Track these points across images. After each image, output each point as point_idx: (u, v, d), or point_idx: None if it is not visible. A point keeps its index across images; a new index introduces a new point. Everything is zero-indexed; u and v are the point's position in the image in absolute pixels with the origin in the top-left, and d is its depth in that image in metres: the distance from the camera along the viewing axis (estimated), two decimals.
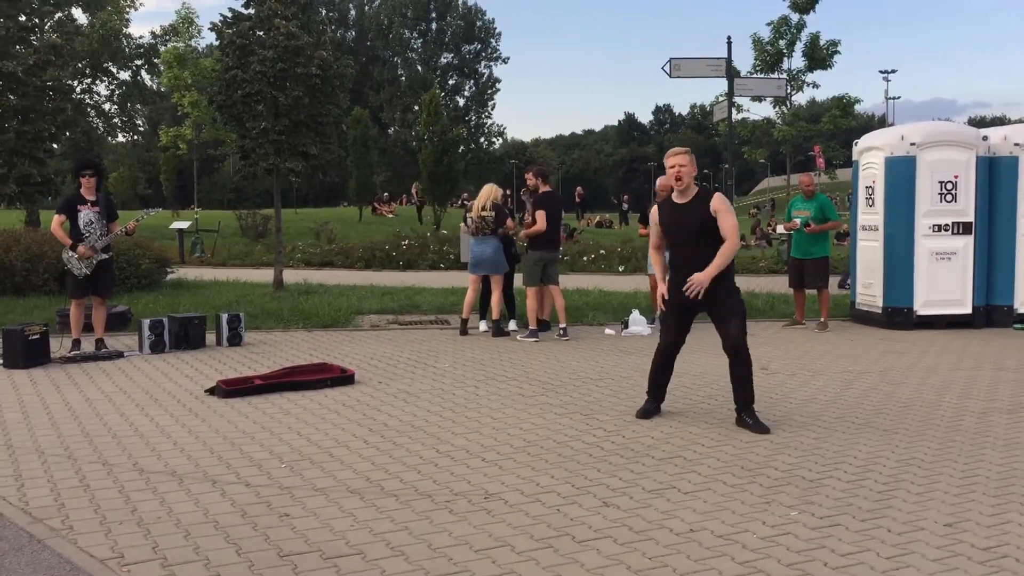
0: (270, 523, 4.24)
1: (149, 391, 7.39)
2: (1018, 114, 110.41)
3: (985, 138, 11.71)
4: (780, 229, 13.70)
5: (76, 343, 9.14)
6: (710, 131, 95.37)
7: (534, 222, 10.38)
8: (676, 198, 6.31)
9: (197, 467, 5.19)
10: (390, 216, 42.03)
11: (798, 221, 11.41)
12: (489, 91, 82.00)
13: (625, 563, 3.81)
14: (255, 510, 4.43)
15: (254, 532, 4.13)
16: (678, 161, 6.19)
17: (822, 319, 11.34)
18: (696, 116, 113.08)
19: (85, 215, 9.04)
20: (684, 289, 6.09)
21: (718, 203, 6.15)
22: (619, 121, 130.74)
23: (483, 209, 10.54)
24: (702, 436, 5.97)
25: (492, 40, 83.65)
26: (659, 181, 11.67)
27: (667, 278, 6.38)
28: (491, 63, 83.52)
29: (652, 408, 6.54)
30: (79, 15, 37.75)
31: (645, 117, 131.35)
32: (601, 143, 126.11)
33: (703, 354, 8.99)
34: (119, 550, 3.90)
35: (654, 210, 6.49)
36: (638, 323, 11.02)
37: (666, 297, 6.32)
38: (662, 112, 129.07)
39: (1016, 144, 11.55)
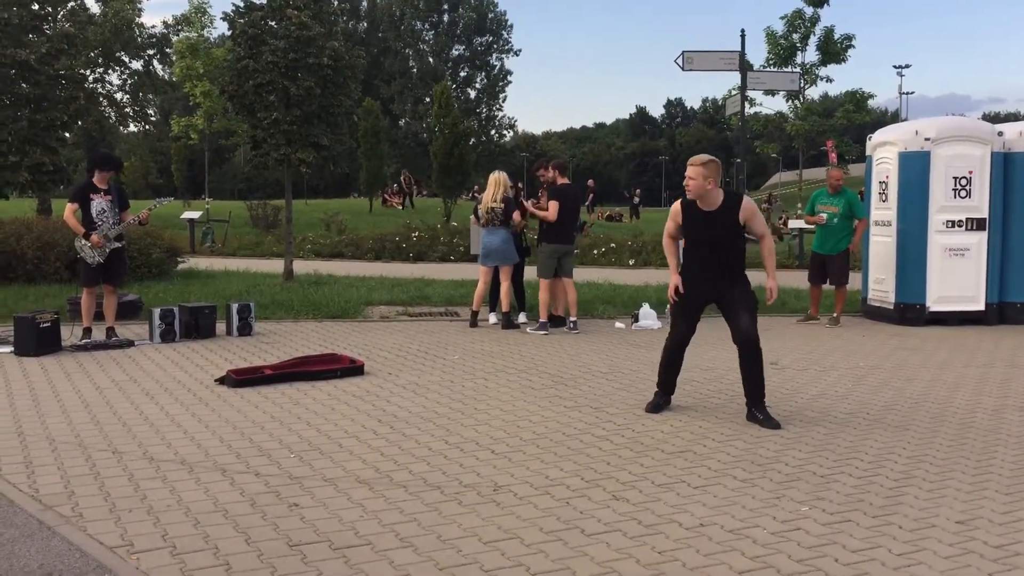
0: (279, 513, 4.24)
1: (159, 380, 7.41)
2: None
3: (1000, 133, 11.62)
4: (801, 223, 13.57)
5: (87, 331, 9.16)
6: (722, 125, 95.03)
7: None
8: (702, 205, 6.20)
9: (207, 456, 5.20)
10: (400, 207, 42.03)
11: (824, 216, 11.31)
12: (500, 83, 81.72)
13: (635, 557, 3.79)
14: (264, 499, 4.44)
15: (263, 521, 4.13)
16: (687, 173, 6.16)
17: (835, 314, 11.29)
18: (708, 110, 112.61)
19: (98, 204, 9.05)
20: (768, 301, 6.34)
21: (749, 212, 6.19)
22: (630, 114, 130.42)
23: (494, 200, 10.53)
24: (712, 431, 5.95)
25: (504, 32, 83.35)
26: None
27: (680, 271, 6.39)
28: (503, 55, 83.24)
29: (662, 402, 6.52)
30: (92, 4, 37.79)
31: (657, 111, 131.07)
32: (612, 136, 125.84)
33: (713, 348, 8.95)
34: (129, 538, 3.91)
35: (677, 207, 6.36)
36: (648, 317, 10.98)
37: (681, 291, 6.30)
38: (674, 106, 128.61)
39: None
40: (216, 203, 38.20)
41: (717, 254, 6.21)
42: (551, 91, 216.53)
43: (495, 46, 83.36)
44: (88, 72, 34.28)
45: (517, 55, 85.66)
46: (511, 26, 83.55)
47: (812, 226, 11.91)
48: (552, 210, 10.27)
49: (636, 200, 49.21)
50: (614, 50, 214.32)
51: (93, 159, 9.44)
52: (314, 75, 13.51)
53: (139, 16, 38.25)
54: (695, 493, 4.65)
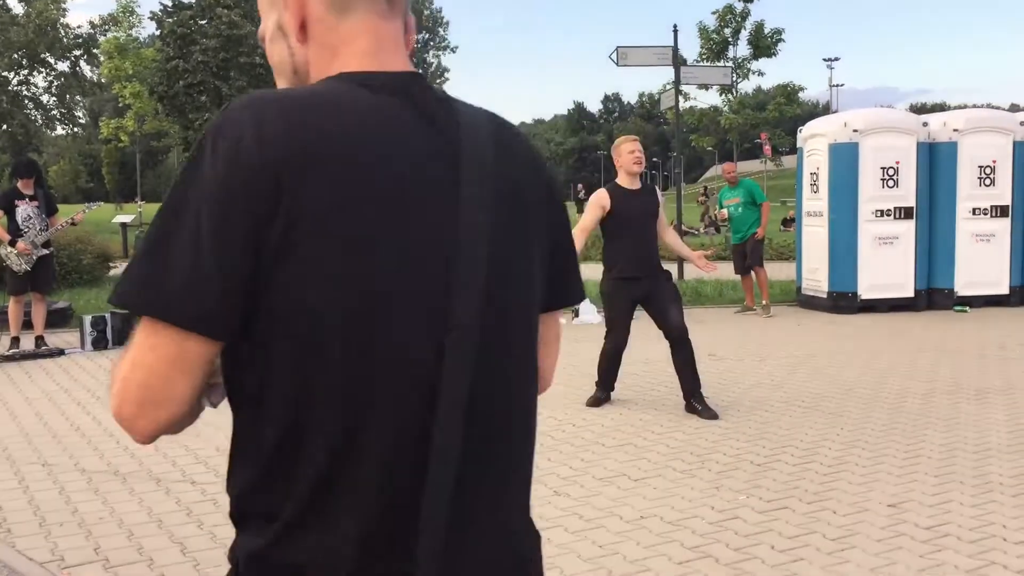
0: (216, 521, 4.17)
1: (91, 389, 7.23)
2: (959, 100, 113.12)
3: (925, 124, 11.93)
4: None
5: (15, 341, 8.91)
6: (659, 119, 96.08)
7: None
8: (627, 184, 6.33)
9: (141, 466, 5.09)
10: None
11: (726, 212, 11.75)
12: (438, 81, 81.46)
13: (575, 551, 3.81)
14: (201, 508, 4.36)
15: (200, 531, 4.06)
16: (638, 147, 6.33)
17: (764, 302, 11.46)
18: (645, 104, 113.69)
19: (23, 210, 8.81)
20: (706, 272, 6.80)
21: (661, 200, 6.56)
22: (568, 110, 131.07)
23: None
24: (652, 423, 6.01)
25: (440, 29, 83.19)
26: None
27: (607, 273, 6.48)
28: (439, 52, 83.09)
29: (602, 396, 6.57)
30: (14, 4, 36.73)
31: (594, 106, 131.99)
32: (551, 132, 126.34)
33: (651, 341, 9.00)
34: (60, 552, 3.81)
35: (602, 194, 6.35)
36: (588, 311, 11.05)
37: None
38: (611, 101, 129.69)
39: (955, 130, 11.78)
40: (149, 206, 37.38)
41: (645, 235, 6.32)
42: (489, 88, 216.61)
43: (431, 43, 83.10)
44: (11, 74, 33.33)
45: (454, 52, 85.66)
46: (447, 23, 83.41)
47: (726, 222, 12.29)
48: None
49: (581, 195, 49.53)
50: (551, 46, 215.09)
51: (14, 167, 9.34)
52: (246, 74, 13.36)
53: (64, 16, 37.35)
54: (636, 486, 4.69)
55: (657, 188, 6.61)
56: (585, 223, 6.42)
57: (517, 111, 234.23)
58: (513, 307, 1.13)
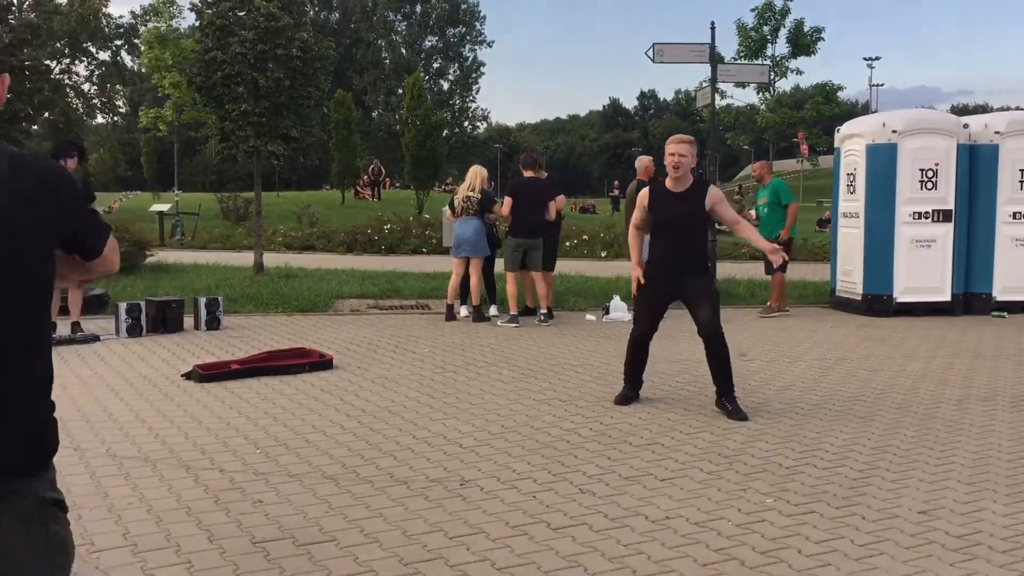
0: (243, 509, 4.21)
1: (125, 375, 7.32)
2: (1001, 102, 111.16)
3: (966, 126, 11.73)
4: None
5: (52, 326, 9.02)
6: (694, 117, 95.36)
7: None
8: (671, 186, 6.25)
9: (171, 453, 5.14)
10: (371, 199, 41.79)
11: (753, 213, 11.68)
12: (473, 75, 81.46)
13: (600, 550, 3.80)
14: (228, 496, 4.40)
15: (227, 518, 4.09)
16: (678, 150, 6.13)
17: (769, 303, 11.38)
18: (681, 102, 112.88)
19: None
20: (775, 265, 6.79)
21: (716, 198, 6.23)
22: (603, 106, 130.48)
23: (470, 190, 10.53)
24: (680, 423, 5.97)
25: (476, 23, 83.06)
26: (641, 160, 11.69)
27: (643, 263, 6.44)
28: (476, 47, 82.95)
29: (630, 394, 6.54)
30: None
31: (630, 102, 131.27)
32: (586, 128, 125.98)
33: (682, 340, 8.97)
34: (89, 536, 3.86)
35: (644, 192, 6.44)
36: (619, 309, 11.01)
37: (642, 282, 6.33)
38: (647, 98, 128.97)
39: (997, 132, 11.58)
40: (186, 195, 37.80)
41: (681, 240, 6.20)
42: (525, 83, 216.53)
43: (468, 37, 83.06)
44: (53, 63, 33.81)
45: (490, 46, 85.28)
46: (484, 17, 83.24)
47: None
48: (505, 206, 10.35)
49: (615, 193, 49.31)
50: (587, 42, 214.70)
51: (55, 148, 9.41)
52: (283, 66, 13.39)
53: (106, 6, 37.81)
54: (661, 486, 4.66)
55: (715, 189, 6.35)
56: (634, 219, 6.57)
57: (552, 106, 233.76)
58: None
